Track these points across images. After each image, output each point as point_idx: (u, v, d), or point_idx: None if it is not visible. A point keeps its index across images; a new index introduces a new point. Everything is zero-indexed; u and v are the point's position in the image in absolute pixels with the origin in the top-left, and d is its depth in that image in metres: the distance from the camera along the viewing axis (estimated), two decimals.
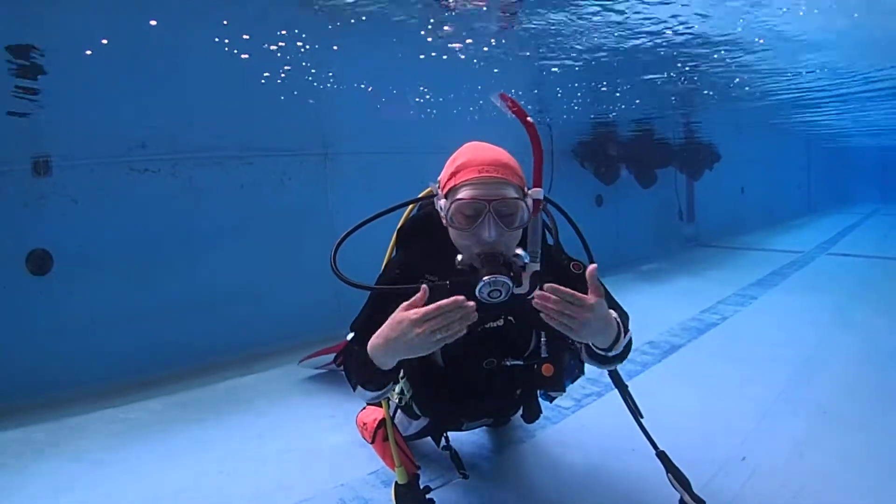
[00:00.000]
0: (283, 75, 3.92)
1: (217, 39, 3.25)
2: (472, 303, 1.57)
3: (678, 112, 6.56)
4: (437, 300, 1.63)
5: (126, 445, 2.85)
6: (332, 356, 3.50)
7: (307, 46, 3.38)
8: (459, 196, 1.79)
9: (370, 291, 1.95)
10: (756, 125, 9.49)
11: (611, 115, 6.48)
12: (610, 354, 1.80)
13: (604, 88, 4.96)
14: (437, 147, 2.09)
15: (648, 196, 7.98)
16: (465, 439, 2.71)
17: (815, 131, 11.58)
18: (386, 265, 2.10)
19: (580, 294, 1.59)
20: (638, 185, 7.75)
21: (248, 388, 3.53)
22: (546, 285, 1.60)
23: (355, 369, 1.82)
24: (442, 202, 1.86)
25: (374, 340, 1.68)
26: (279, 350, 4.01)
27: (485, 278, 1.69)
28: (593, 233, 2.25)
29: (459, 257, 1.81)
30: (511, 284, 1.73)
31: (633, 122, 7.30)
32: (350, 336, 1.95)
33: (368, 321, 1.86)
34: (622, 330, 1.80)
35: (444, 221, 1.87)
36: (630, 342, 1.89)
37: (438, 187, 1.92)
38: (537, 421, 2.81)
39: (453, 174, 1.84)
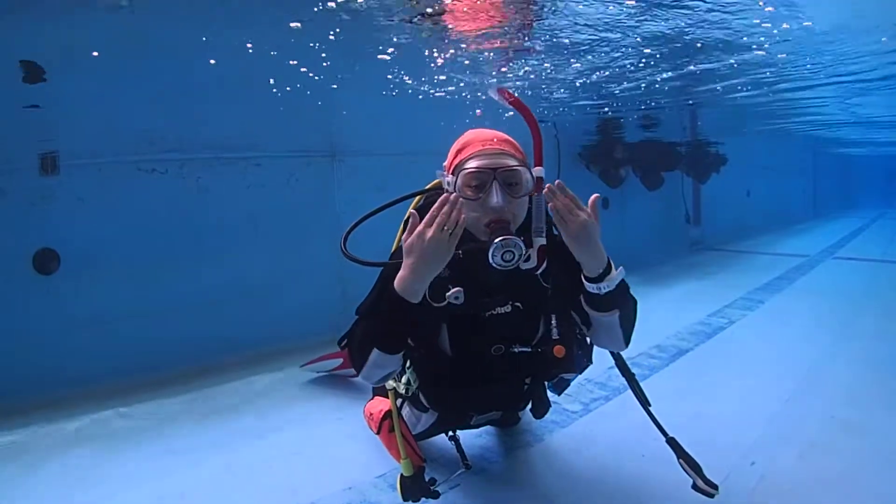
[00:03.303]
0: (291, 75, 3.92)
1: (226, 40, 3.25)
2: (455, 194, 1.74)
3: (684, 105, 6.55)
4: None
5: (132, 445, 2.85)
6: (334, 362, 3.50)
7: (316, 46, 3.37)
8: (466, 167, 1.89)
9: (377, 279, 2.00)
10: (763, 128, 9.49)
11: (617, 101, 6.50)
12: (603, 291, 1.84)
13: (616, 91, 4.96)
14: (445, 150, 2.09)
15: (655, 199, 7.96)
16: (473, 443, 2.70)
17: (820, 135, 11.61)
18: (393, 253, 2.14)
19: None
20: (644, 188, 7.73)
21: (254, 389, 3.53)
22: (557, 182, 1.80)
23: (364, 340, 1.85)
24: (449, 178, 1.94)
25: (400, 278, 1.75)
26: (286, 350, 4.00)
27: (496, 241, 1.77)
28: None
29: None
30: (523, 246, 1.80)
31: (641, 126, 7.32)
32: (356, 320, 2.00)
33: (376, 303, 1.94)
34: (612, 265, 1.87)
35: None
36: (625, 287, 1.91)
37: (444, 172, 2.01)
38: (546, 425, 2.84)
39: (459, 151, 1.97)
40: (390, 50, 3.39)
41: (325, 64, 3.64)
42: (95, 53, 3.24)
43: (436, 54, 3.53)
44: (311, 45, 3.28)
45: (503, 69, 3.88)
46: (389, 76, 4.08)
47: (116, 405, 3.29)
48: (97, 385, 3.45)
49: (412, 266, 1.71)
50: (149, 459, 2.70)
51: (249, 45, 3.30)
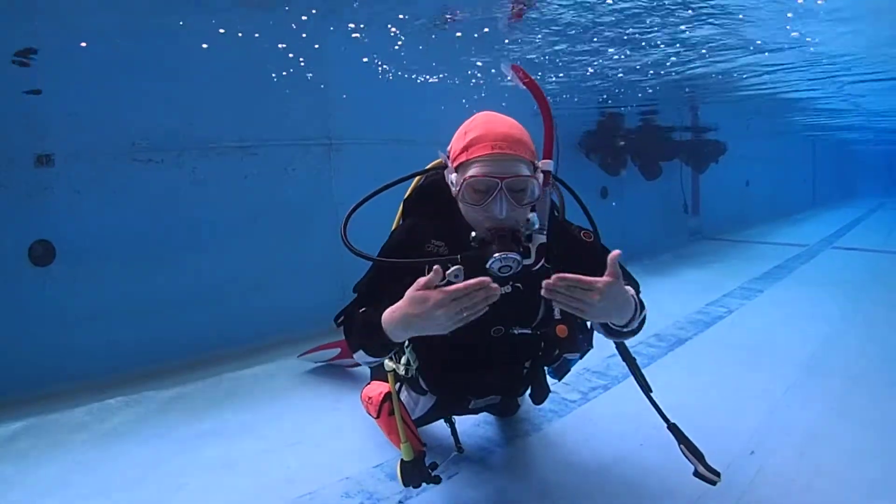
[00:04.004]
0: (286, 64, 3.89)
1: (221, 29, 3.23)
2: (496, 285, 1.59)
3: (685, 99, 6.55)
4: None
5: (129, 437, 2.84)
6: (332, 352, 3.49)
7: (307, 33, 3.34)
8: (471, 173, 1.81)
9: (373, 262, 1.97)
10: (762, 120, 9.47)
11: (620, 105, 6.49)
12: (625, 330, 1.81)
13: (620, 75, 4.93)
14: (443, 138, 2.07)
15: (653, 189, 7.94)
16: (472, 432, 2.70)
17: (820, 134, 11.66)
18: (392, 232, 2.11)
19: (588, 278, 1.59)
20: (643, 178, 7.71)
21: (251, 380, 3.52)
22: (554, 276, 1.58)
23: (360, 333, 1.84)
24: (453, 176, 1.89)
25: (391, 315, 1.69)
26: (284, 341, 3.99)
27: (496, 255, 1.74)
28: (598, 224, 2.24)
29: (473, 234, 1.85)
30: (521, 260, 1.77)
31: (640, 115, 7.31)
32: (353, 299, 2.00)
33: (371, 286, 1.95)
34: (639, 308, 1.81)
35: (454, 195, 1.91)
36: (644, 318, 1.89)
37: (448, 157, 1.94)
38: (544, 414, 2.83)
39: (465, 148, 1.85)
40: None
41: (315, 46, 3.59)
42: (91, 42, 3.21)
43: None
44: (305, 34, 3.24)
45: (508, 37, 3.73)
46: (384, 64, 4.05)
47: (113, 396, 3.28)
48: (94, 376, 3.44)
49: (408, 319, 1.64)
50: (146, 451, 2.69)
51: (240, 34, 3.27)
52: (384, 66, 4.13)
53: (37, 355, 3.36)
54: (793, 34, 3.52)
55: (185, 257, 3.86)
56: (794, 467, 2.34)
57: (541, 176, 1.88)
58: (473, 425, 2.75)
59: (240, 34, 3.28)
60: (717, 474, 1.97)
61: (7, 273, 3.31)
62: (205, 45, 3.47)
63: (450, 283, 1.64)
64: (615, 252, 1.64)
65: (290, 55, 3.73)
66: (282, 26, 3.24)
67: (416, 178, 2.18)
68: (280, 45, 3.54)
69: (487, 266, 1.76)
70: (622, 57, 4.08)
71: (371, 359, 1.86)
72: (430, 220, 2.03)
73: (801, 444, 2.52)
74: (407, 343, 2.16)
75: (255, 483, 2.39)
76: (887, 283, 5.76)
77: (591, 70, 4.45)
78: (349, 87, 4.47)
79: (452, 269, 1.83)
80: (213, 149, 3.97)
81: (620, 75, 4.80)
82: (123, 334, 3.61)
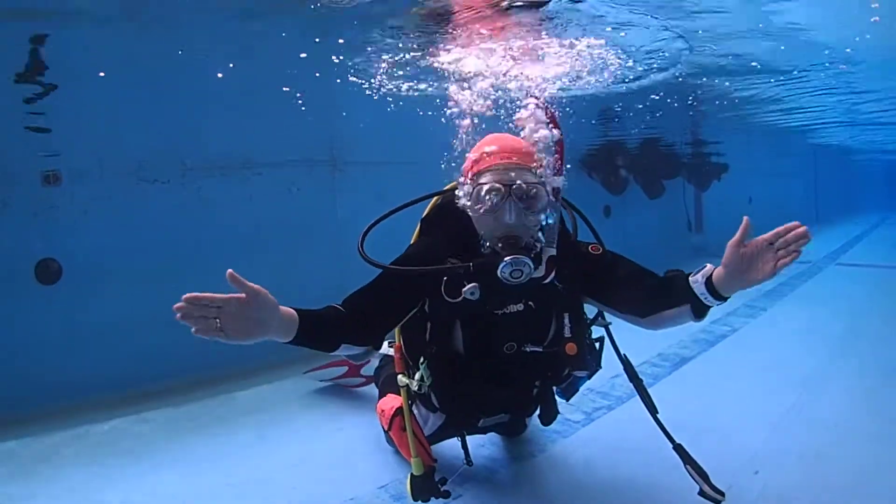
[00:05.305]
0: (292, 87, 3.93)
1: (225, 50, 3.27)
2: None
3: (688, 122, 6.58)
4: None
5: (134, 456, 2.84)
6: (339, 370, 3.49)
7: (308, 52, 3.38)
8: (482, 181, 1.91)
9: (383, 270, 2.00)
10: (764, 138, 9.50)
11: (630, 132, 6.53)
12: (714, 305, 1.93)
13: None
14: (449, 158, 2.10)
15: (657, 207, 7.95)
16: (478, 452, 2.68)
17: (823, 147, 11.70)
18: (409, 247, 2.16)
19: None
20: (646, 196, 7.73)
21: (257, 400, 3.52)
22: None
23: None
24: (465, 188, 1.97)
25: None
26: (288, 361, 3.99)
27: (506, 259, 1.81)
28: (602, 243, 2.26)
29: (486, 242, 1.94)
30: (532, 265, 1.84)
31: (642, 137, 7.35)
32: None
33: (361, 293, 2.02)
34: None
35: (466, 207, 1.99)
36: None
37: (461, 176, 2.03)
38: (549, 435, 2.83)
39: (476, 161, 1.98)
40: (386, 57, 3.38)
41: (316, 74, 3.64)
42: (98, 64, 3.25)
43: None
44: (304, 54, 3.28)
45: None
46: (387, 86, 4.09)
47: (117, 416, 3.28)
48: (98, 396, 3.44)
49: None
50: (149, 471, 2.69)
51: (249, 60, 3.31)
52: (387, 93, 4.17)
53: (43, 373, 3.38)
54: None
55: (191, 277, 3.82)
56: (797, 486, 2.33)
57: (549, 186, 1.95)
58: (479, 446, 2.75)
59: (244, 54, 3.31)
60: (722, 494, 1.97)
61: (14, 291, 3.33)
62: (210, 66, 3.51)
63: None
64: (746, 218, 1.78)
65: (296, 78, 3.76)
66: (286, 50, 3.28)
67: (435, 198, 2.25)
68: (287, 71, 3.58)
69: (499, 272, 1.82)
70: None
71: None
72: (446, 238, 2.07)
73: (805, 463, 2.51)
74: (422, 360, 2.17)
75: None
76: (890, 299, 5.75)
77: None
78: (353, 110, 4.51)
79: (469, 286, 1.88)
80: (219, 169, 4.01)
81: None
82: (129, 353, 3.62)
